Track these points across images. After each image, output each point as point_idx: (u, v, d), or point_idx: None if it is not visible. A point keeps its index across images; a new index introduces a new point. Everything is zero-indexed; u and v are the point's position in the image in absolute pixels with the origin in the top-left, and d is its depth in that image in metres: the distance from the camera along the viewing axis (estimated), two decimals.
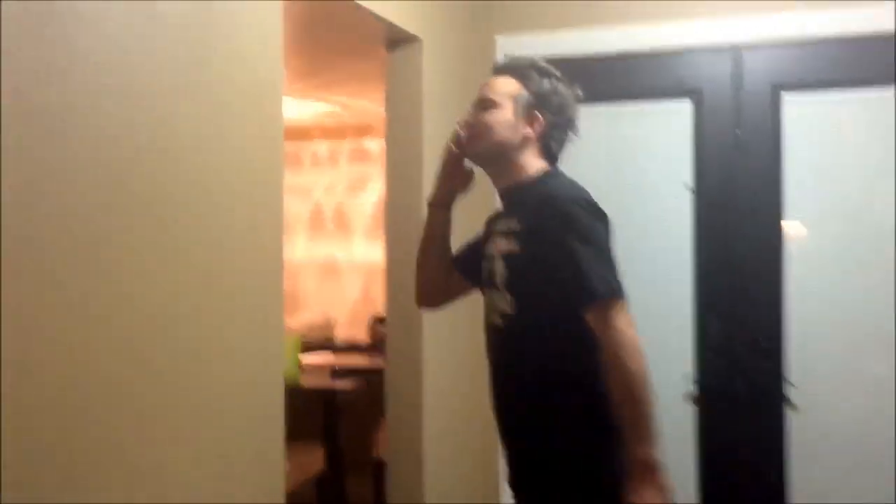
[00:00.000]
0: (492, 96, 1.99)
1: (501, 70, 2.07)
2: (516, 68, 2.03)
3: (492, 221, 2.12)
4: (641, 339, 1.78)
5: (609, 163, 3.28)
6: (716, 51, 3.18)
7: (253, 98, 2.01)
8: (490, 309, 2.01)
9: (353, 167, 5.48)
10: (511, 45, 3.23)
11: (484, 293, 2.06)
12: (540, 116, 1.98)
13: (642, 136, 3.28)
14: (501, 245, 1.96)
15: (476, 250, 2.13)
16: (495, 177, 2.05)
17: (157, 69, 1.68)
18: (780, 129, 3.11)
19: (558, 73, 2.03)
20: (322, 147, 5.61)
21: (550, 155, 2.03)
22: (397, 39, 2.87)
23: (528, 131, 1.98)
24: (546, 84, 2.00)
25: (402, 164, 2.88)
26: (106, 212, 1.55)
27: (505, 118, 1.97)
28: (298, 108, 4.81)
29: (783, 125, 3.11)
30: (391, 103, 2.92)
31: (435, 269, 2.17)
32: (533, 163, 1.99)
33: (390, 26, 2.74)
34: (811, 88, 3.09)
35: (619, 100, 3.29)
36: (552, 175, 2.00)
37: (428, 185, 2.80)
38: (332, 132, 5.45)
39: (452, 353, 3.07)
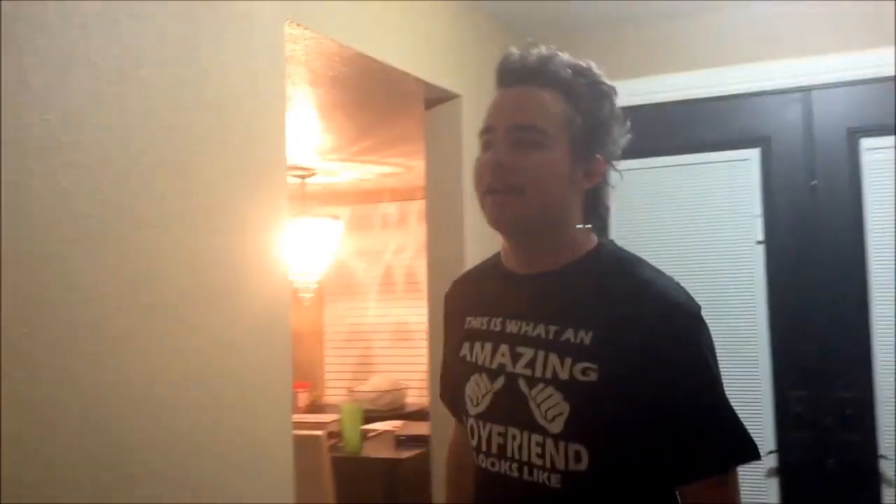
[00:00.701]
0: (538, 122, 1.27)
1: (531, 76, 1.29)
2: (555, 75, 1.29)
3: (477, 311, 1.40)
4: None
5: (670, 219, 3.07)
6: (784, 95, 2.96)
7: (258, 168, 1.93)
8: (502, 455, 1.31)
9: (424, 228, 5.37)
10: None
11: (480, 428, 1.35)
12: (600, 158, 1.32)
13: (706, 189, 3.06)
14: (548, 362, 1.25)
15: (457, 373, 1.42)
16: (530, 257, 1.33)
17: (146, 138, 1.62)
18: (860, 177, 2.85)
19: (612, 84, 1.35)
20: (392, 209, 5.55)
21: (598, 213, 1.37)
22: (437, 98, 2.79)
23: (587, 183, 1.32)
24: (607, 104, 1.32)
25: (442, 222, 2.79)
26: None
27: (560, 163, 1.27)
28: (362, 171, 4.77)
29: (862, 172, 2.85)
30: (431, 161, 2.85)
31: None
32: (581, 230, 1.34)
33: (428, 86, 2.66)
34: (890, 131, 2.82)
35: (679, 152, 3.10)
36: (610, 248, 1.36)
37: (469, 244, 2.73)
38: (402, 194, 5.40)
39: None
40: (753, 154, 3.00)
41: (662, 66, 3.10)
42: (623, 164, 3.20)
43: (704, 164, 3.07)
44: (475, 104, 2.86)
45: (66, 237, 1.46)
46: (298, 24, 2.04)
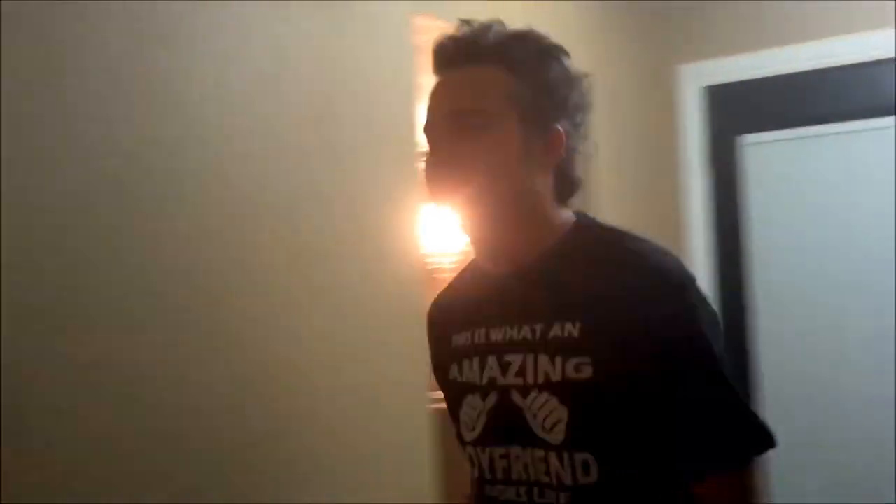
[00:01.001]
0: (477, 104, 1.15)
1: (466, 56, 1.17)
2: (491, 48, 1.17)
3: (460, 326, 1.25)
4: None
5: (808, 191, 3.00)
6: None
7: (388, 143, 2.02)
8: (508, 480, 1.17)
9: None
10: (695, 73, 3.11)
11: (479, 454, 1.20)
12: (560, 128, 1.17)
13: (843, 159, 2.97)
14: (538, 366, 1.13)
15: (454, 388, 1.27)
16: (501, 251, 1.20)
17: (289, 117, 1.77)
18: None
19: (560, 45, 1.21)
20: None
21: (571, 188, 1.21)
22: None
23: (551, 158, 1.18)
24: (556, 67, 1.18)
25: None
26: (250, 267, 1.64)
27: (512, 142, 1.15)
28: None
29: None
30: None
31: None
32: (552, 210, 1.20)
33: None
34: None
35: (816, 122, 3.02)
36: (589, 223, 1.23)
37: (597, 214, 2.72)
38: None
39: None
40: (890, 122, 2.89)
41: (799, 34, 3.03)
42: (760, 137, 3.13)
43: (842, 133, 2.99)
44: (609, 82, 2.87)
45: (225, 218, 1.61)
46: (427, 15, 2.14)
